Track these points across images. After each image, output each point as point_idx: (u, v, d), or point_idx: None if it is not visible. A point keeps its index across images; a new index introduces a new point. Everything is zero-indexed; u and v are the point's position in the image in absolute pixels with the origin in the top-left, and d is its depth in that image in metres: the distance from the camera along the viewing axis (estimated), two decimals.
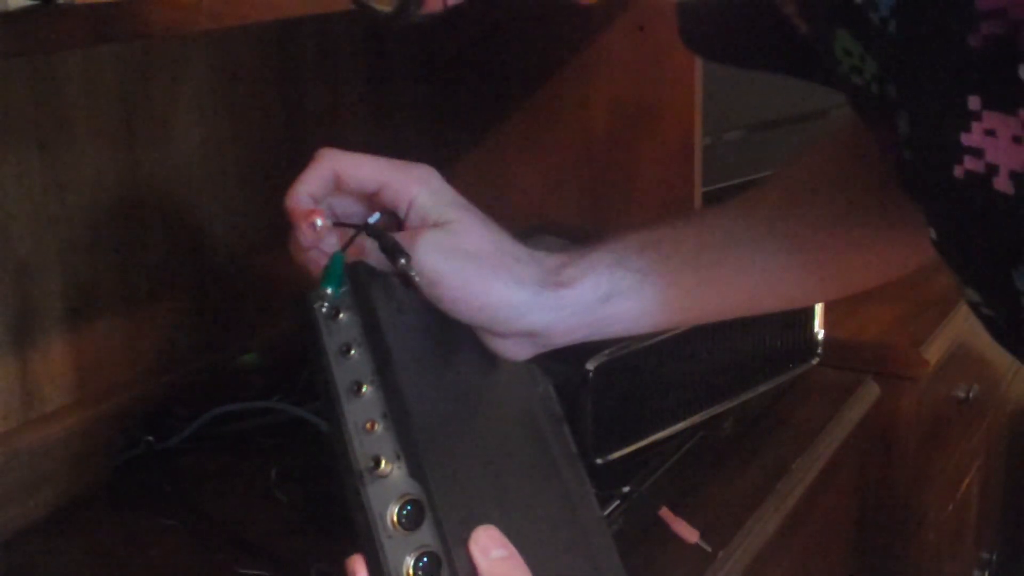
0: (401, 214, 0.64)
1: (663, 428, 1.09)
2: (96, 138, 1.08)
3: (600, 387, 1.02)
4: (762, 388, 1.20)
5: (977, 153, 0.41)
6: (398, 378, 0.55)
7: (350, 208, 0.65)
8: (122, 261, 1.12)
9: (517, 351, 0.66)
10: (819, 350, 1.26)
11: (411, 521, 0.51)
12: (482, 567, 0.50)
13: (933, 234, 0.48)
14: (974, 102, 0.40)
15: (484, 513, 0.53)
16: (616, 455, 1.05)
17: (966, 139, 0.41)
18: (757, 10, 0.62)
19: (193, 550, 0.99)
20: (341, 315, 0.59)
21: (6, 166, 1.01)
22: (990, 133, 0.41)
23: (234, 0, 0.78)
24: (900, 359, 1.40)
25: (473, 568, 0.51)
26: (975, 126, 0.41)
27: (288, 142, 1.28)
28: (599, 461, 1.04)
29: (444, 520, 0.50)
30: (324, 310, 0.59)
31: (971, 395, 1.59)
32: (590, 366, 1.01)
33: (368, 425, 0.54)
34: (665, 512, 0.99)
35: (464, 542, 0.51)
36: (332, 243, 0.62)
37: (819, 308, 1.25)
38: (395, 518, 0.51)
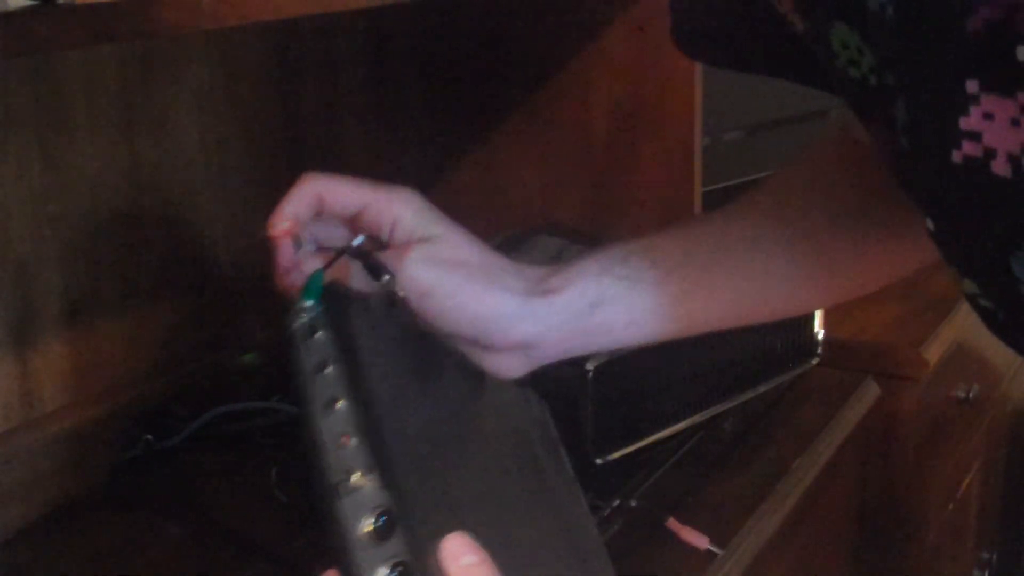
0: (384, 235, 0.64)
1: (663, 428, 1.09)
2: (96, 138, 1.08)
3: (600, 387, 1.02)
4: (762, 388, 1.20)
5: (975, 137, 0.41)
6: (371, 391, 0.56)
7: (334, 233, 0.65)
8: (122, 261, 1.12)
9: (510, 366, 0.66)
10: (819, 350, 1.26)
11: (384, 533, 0.50)
12: (451, 573, 0.49)
13: (930, 225, 0.48)
14: (972, 86, 0.40)
15: (464, 525, 0.52)
16: (616, 455, 1.05)
17: (964, 123, 0.41)
18: (750, 10, 0.62)
19: (193, 550, 0.99)
20: (318, 333, 0.59)
21: (6, 166, 1.01)
22: (988, 117, 0.40)
23: (234, 0, 0.78)
24: (900, 359, 1.40)
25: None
26: (974, 110, 0.41)
27: (288, 142, 1.28)
28: (599, 461, 1.04)
29: (415, 529, 0.50)
30: (301, 328, 0.60)
31: (971, 395, 1.59)
32: (590, 366, 1.01)
33: (343, 439, 0.54)
34: (672, 523, 0.98)
35: (436, 551, 0.51)
36: (315, 266, 0.62)
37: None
38: (368, 530, 0.51)
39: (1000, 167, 0.41)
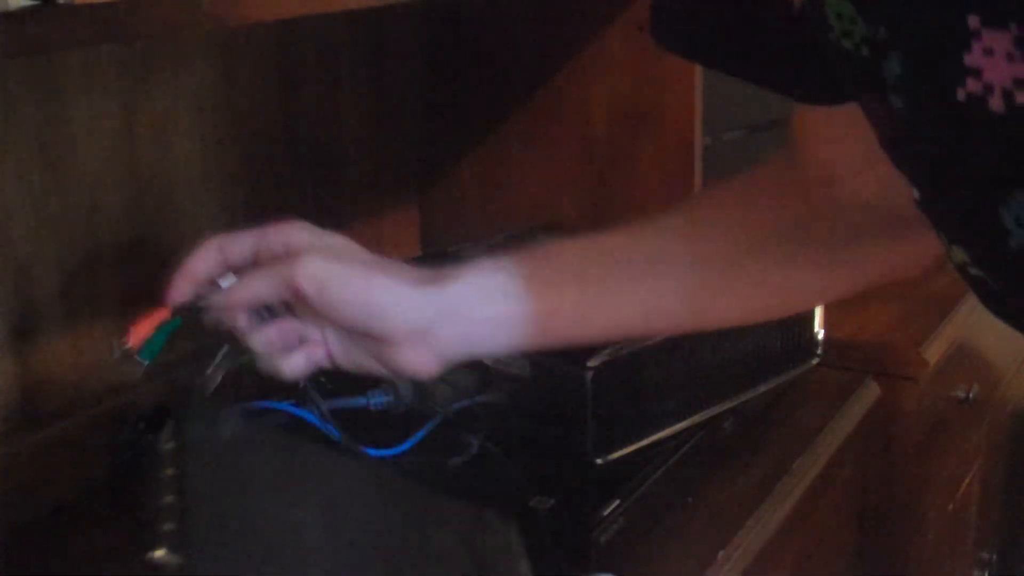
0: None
1: (663, 428, 1.09)
2: (96, 138, 1.08)
3: (600, 387, 1.02)
4: (762, 388, 1.20)
5: (977, 74, 0.42)
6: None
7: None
8: (122, 261, 1.12)
9: (417, 360, 0.67)
10: (819, 350, 1.26)
11: None
12: None
13: (916, 194, 0.48)
14: (974, 20, 0.41)
15: None
16: (616, 455, 1.05)
17: (968, 60, 0.42)
18: (730, 7, 0.63)
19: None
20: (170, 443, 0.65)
21: (6, 166, 1.01)
22: (988, 52, 0.41)
23: (234, 0, 0.78)
24: (900, 359, 1.40)
25: None
26: (975, 45, 0.41)
27: (287, 142, 1.28)
28: (599, 461, 1.04)
29: None
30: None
31: (971, 395, 1.59)
32: (590, 366, 1.01)
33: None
34: None
35: None
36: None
37: (819, 308, 1.25)
38: None
39: (996, 103, 0.42)
